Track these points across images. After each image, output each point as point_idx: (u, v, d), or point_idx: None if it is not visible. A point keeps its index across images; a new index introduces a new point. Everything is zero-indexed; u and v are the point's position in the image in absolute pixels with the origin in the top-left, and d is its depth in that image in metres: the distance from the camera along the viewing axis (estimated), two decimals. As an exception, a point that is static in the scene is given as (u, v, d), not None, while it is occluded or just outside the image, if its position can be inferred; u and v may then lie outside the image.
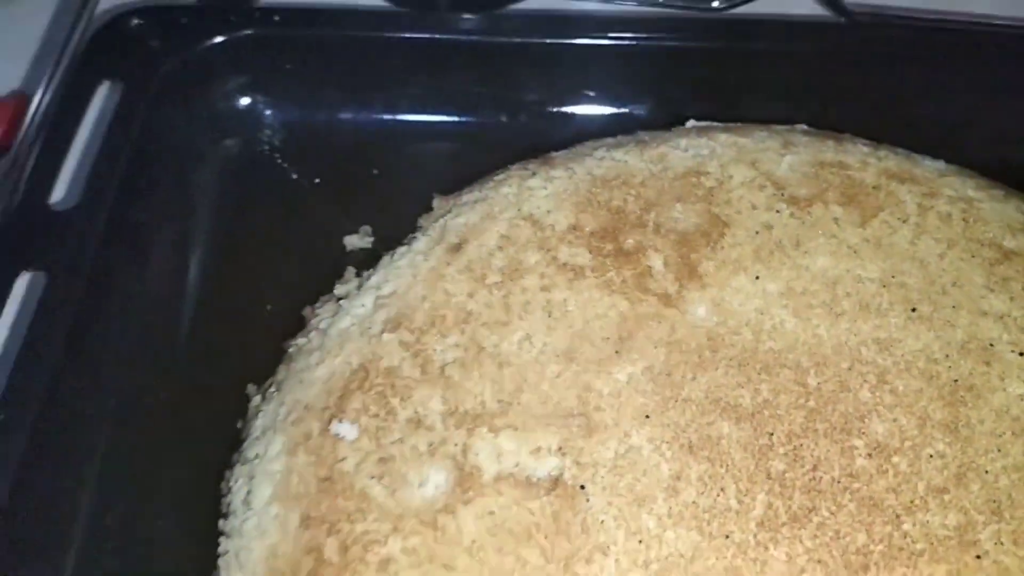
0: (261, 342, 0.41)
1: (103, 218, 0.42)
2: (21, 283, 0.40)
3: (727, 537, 0.31)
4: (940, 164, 0.43)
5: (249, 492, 0.35)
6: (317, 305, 0.41)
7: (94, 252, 0.41)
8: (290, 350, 0.39)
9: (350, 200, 0.48)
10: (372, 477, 0.33)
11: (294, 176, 0.49)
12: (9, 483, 0.35)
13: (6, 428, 0.36)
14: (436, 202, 0.43)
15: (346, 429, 0.35)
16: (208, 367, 0.41)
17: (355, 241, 0.46)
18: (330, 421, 0.35)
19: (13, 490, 0.35)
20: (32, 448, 0.36)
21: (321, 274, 0.44)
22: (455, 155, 0.49)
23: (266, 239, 0.46)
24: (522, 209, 0.40)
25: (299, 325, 0.41)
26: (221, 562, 0.34)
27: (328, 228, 0.46)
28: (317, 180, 0.48)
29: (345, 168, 0.49)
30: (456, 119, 0.50)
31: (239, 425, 0.39)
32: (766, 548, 0.31)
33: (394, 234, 0.44)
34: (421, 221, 0.43)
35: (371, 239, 0.46)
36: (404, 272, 0.39)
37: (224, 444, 0.39)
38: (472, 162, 0.47)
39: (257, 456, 0.36)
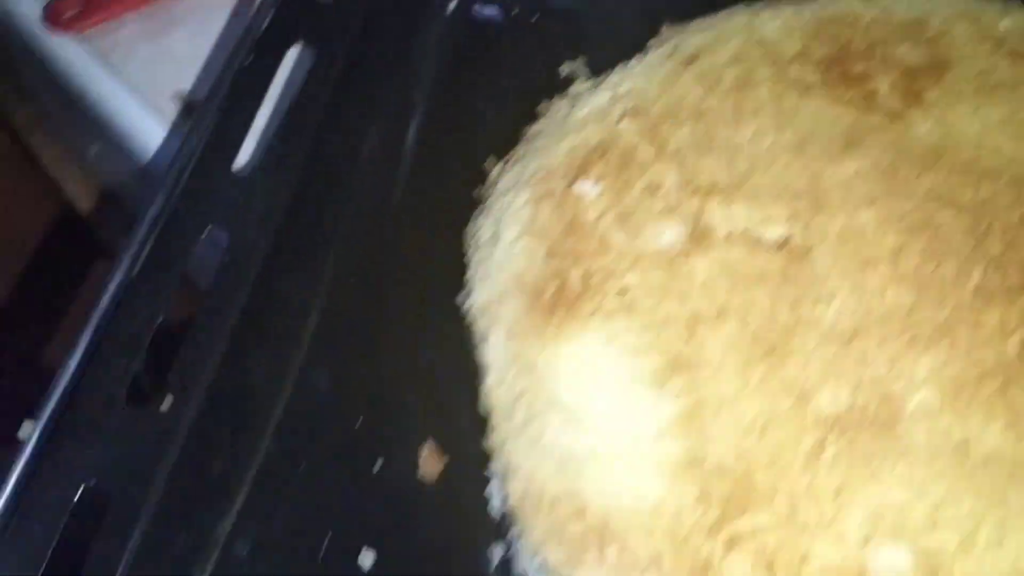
0: (497, 126, 0.45)
1: (361, 11, 0.48)
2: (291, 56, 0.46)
3: (944, 299, 0.34)
4: None
5: (495, 232, 0.39)
6: (553, 100, 0.45)
7: (356, 34, 0.47)
8: (528, 133, 0.44)
9: (565, 35, 0.52)
10: (611, 227, 0.38)
11: (515, 12, 0.53)
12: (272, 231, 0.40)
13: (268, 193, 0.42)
14: (665, 28, 0.47)
15: (588, 188, 0.39)
16: (443, 146, 0.46)
17: (571, 67, 0.50)
18: (573, 181, 0.39)
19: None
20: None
21: (542, 88, 0.48)
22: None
23: (488, 63, 0.51)
24: (752, 35, 0.44)
25: (533, 120, 0.46)
26: (469, 278, 0.38)
27: (545, 57, 0.51)
28: (534, 19, 0.53)
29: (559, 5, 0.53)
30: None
31: (474, 193, 0.43)
32: (980, 312, 0.34)
33: (610, 65, 0.48)
34: (651, 43, 0.47)
35: (587, 70, 0.50)
36: (639, 75, 0.43)
37: (460, 208, 0.43)
38: (684, 9, 0.50)
39: (502, 207, 0.40)
